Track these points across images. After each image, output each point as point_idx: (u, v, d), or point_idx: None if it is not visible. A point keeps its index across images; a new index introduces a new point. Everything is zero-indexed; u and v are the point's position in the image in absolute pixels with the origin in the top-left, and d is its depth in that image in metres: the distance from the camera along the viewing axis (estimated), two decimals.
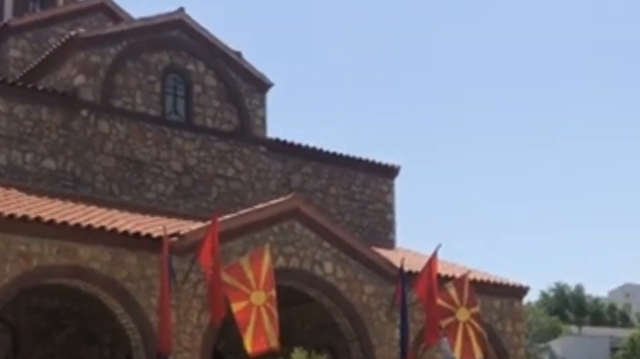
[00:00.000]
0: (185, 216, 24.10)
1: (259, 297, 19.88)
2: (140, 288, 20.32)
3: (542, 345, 74.34)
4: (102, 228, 20.05)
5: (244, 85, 27.44)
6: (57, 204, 21.73)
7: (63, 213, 20.61)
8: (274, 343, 19.80)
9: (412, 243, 29.79)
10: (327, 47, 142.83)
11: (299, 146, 28.18)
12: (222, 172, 26.54)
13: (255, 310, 19.77)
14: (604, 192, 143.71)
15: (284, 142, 27.90)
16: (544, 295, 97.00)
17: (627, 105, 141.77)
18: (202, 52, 26.84)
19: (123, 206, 23.63)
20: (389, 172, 30.03)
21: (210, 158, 26.40)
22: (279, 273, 20.92)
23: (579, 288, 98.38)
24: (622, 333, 79.43)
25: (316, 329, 24.72)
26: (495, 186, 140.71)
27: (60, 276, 19.88)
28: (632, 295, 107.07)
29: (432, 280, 22.59)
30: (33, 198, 21.90)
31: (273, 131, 27.84)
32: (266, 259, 20.18)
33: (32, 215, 19.45)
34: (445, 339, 23.66)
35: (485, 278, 26.08)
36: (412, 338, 23.19)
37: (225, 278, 19.81)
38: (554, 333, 79.59)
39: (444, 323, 22.73)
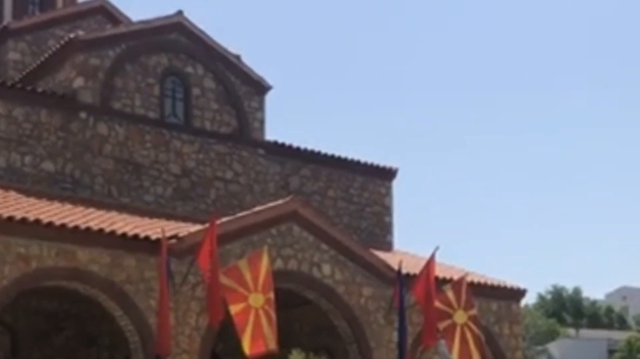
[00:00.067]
0: (184, 219, 24.12)
1: (257, 299, 19.90)
2: (139, 290, 20.36)
3: (539, 348, 74.42)
4: (101, 230, 20.10)
5: (242, 88, 27.46)
6: (56, 206, 21.77)
7: (62, 215, 20.64)
8: (272, 345, 19.83)
9: (410, 245, 29.77)
10: (326, 51, 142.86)
11: (297, 149, 28.19)
12: (221, 175, 26.58)
13: (254, 312, 19.79)
14: (601, 195, 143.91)
15: (283, 145, 27.93)
16: (541, 298, 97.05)
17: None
18: (200, 55, 26.87)
19: (122, 209, 23.67)
20: (387, 175, 30.05)
21: (208, 161, 26.44)
22: (277, 276, 20.96)
23: (577, 291, 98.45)
24: (620, 336, 79.51)
25: (314, 332, 24.73)
26: (493, 188, 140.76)
27: (59, 279, 19.92)
28: (629, 297, 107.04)
29: (429, 282, 22.61)
30: (32, 200, 21.93)
31: (271, 134, 27.95)
32: (264, 261, 20.21)
33: (31, 217, 19.48)
34: (443, 342, 23.70)
35: (482, 281, 26.11)
36: (410, 340, 23.17)
37: (224, 280, 19.83)
38: (552, 336, 79.65)
39: (441, 325, 22.73)
